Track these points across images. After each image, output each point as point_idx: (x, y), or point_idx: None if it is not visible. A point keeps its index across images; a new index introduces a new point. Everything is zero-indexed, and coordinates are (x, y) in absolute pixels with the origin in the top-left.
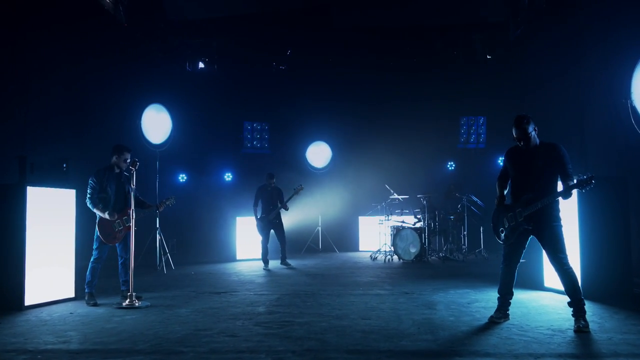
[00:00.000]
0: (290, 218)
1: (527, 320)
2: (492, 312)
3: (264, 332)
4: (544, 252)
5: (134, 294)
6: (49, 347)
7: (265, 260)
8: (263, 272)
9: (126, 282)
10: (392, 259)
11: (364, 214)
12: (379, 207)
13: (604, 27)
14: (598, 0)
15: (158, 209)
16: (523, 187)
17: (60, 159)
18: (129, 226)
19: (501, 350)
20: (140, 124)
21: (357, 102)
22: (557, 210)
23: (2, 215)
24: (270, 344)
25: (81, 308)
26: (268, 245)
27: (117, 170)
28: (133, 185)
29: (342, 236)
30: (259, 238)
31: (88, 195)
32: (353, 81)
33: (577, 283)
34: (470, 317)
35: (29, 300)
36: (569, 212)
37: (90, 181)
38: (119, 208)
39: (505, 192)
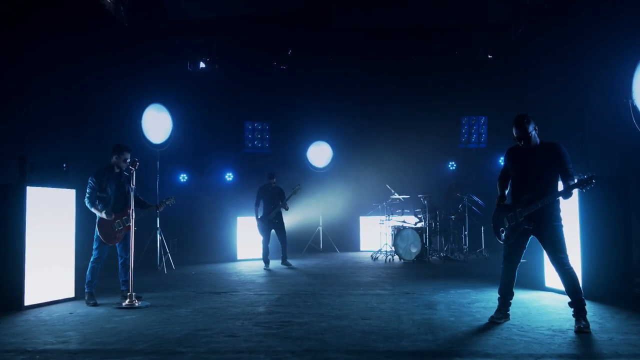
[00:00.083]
0: (291, 218)
1: (527, 321)
2: (492, 312)
3: (264, 332)
4: (544, 252)
5: (133, 294)
6: (48, 347)
7: (266, 260)
8: (263, 272)
9: (126, 282)
10: (393, 259)
11: (365, 214)
12: (379, 207)
13: (604, 26)
14: (599, 0)
15: (158, 209)
16: (523, 187)
17: (60, 158)
18: (129, 226)
19: (501, 351)
20: (140, 124)
21: (358, 102)
22: (558, 210)
23: (1, 215)
24: (270, 344)
25: (81, 308)
26: (269, 245)
27: (117, 170)
28: (133, 185)
29: (343, 236)
30: (259, 238)
31: (87, 195)
32: (354, 81)
33: (578, 283)
34: (471, 318)
35: (28, 300)
36: (569, 212)
37: (89, 181)
38: (119, 208)
39: (506, 192)
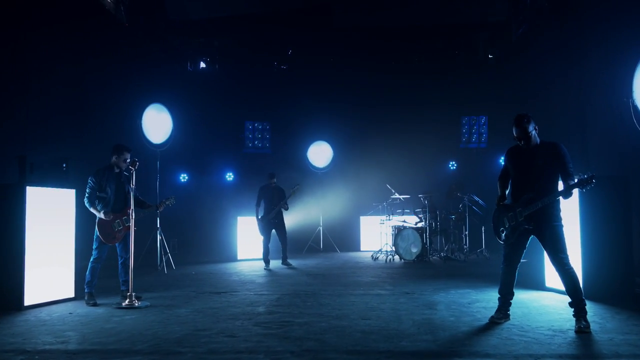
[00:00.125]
0: (292, 218)
1: (527, 321)
2: (492, 312)
3: (263, 332)
4: (544, 252)
5: (133, 294)
6: (47, 347)
7: (266, 260)
8: (264, 272)
9: (126, 282)
10: (393, 259)
11: (365, 214)
12: (380, 207)
13: (605, 26)
14: (599, 0)
15: (158, 209)
16: (523, 187)
17: (60, 158)
18: (129, 226)
19: (501, 351)
20: (140, 124)
21: (358, 102)
22: (558, 210)
23: (1, 215)
24: (269, 344)
25: (81, 308)
26: (269, 245)
27: (116, 170)
28: (133, 185)
29: (344, 236)
30: (260, 238)
31: (86, 195)
32: (354, 81)
33: (578, 283)
34: (471, 318)
35: (28, 300)
36: (570, 211)
37: (89, 180)
38: (119, 208)
39: (507, 191)
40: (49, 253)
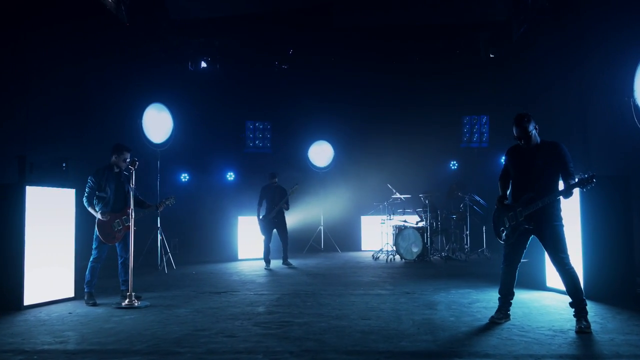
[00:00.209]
0: (293, 217)
1: (528, 321)
2: (493, 312)
3: (263, 333)
4: (545, 251)
5: (133, 293)
6: (46, 347)
7: (267, 260)
8: (264, 271)
9: (126, 281)
10: (394, 259)
11: (366, 214)
12: (381, 206)
13: (606, 26)
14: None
15: (158, 209)
16: (524, 186)
17: (60, 158)
18: (129, 226)
19: (501, 351)
20: (141, 124)
21: (359, 101)
22: (559, 210)
23: (1, 215)
24: (269, 344)
25: (80, 308)
26: (270, 245)
27: (116, 170)
28: (132, 185)
29: (344, 236)
30: (261, 238)
31: (85, 195)
32: (355, 80)
33: (579, 283)
34: (471, 318)
35: (28, 300)
36: (571, 211)
37: (88, 180)
38: (119, 208)
39: (508, 191)
40: (49, 253)
